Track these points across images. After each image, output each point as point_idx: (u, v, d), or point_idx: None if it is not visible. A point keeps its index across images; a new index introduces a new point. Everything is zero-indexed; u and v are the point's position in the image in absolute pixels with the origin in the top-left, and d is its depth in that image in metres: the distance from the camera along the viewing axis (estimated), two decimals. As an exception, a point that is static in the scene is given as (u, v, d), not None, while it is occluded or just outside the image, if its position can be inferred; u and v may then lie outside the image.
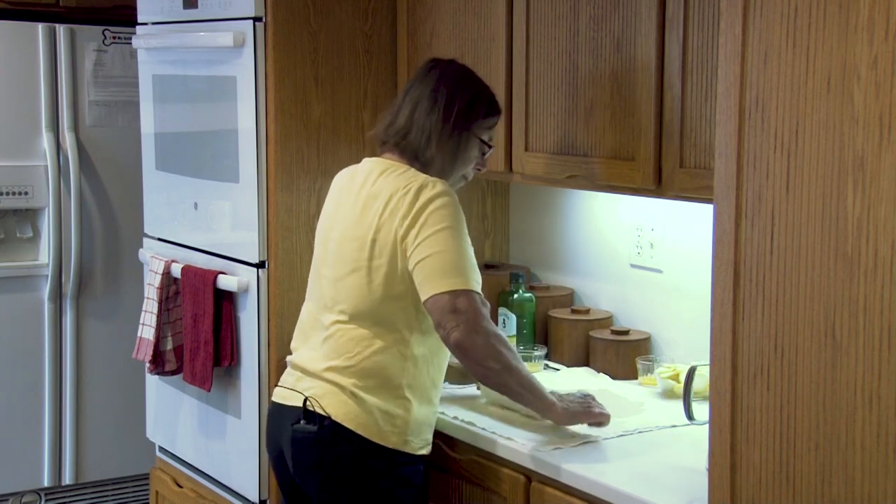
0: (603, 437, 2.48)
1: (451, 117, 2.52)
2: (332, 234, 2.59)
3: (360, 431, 2.45)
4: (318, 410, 2.47)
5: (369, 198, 2.51)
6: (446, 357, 2.57)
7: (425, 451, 2.54)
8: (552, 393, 2.52)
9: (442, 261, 2.39)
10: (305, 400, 2.48)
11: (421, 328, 2.49)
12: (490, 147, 2.62)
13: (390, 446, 2.47)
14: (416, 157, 2.53)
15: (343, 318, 2.51)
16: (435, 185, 2.46)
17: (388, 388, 2.47)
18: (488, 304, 2.45)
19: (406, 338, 2.48)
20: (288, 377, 2.62)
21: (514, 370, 2.42)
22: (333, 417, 2.46)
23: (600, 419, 2.51)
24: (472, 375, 2.53)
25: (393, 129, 2.56)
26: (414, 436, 2.50)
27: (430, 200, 2.43)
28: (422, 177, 2.48)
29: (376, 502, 2.50)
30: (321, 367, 2.52)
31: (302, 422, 2.49)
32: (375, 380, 2.47)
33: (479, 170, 2.64)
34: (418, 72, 2.61)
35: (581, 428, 2.52)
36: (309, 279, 2.68)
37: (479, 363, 2.39)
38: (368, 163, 2.61)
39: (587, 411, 2.51)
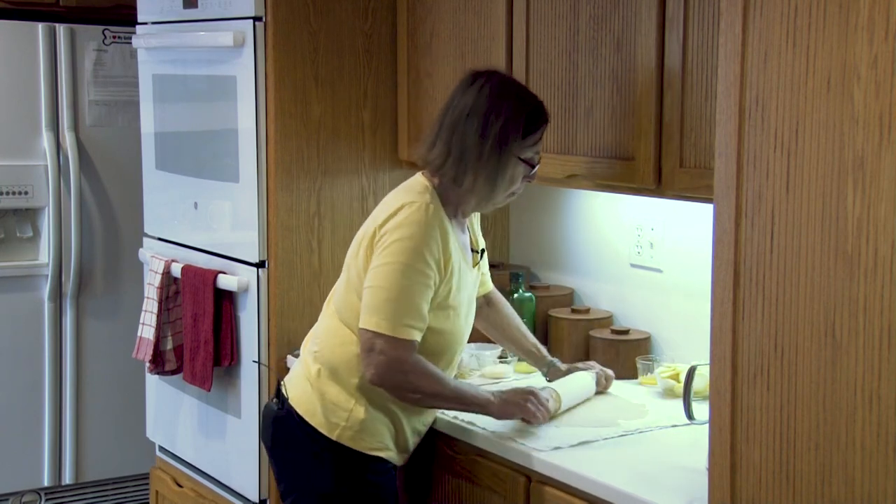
0: (603, 438, 2.48)
1: (487, 143, 2.43)
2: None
3: (306, 417, 2.53)
4: (283, 392, 2.60)
5: (380, 203, 2.57)
6: None
7: (384, 454, 2.54)
8: (494, 393, 2.53)
9: (378, 297, 2.41)
10: (279, 380, 2.61)
11: None
12: (534, 166, 2.51)
13: (335, 438, 2.50)
14: (454, 184, 2.49)
15: (331, 308, 2.60)
16: (417, 211, 2.42)
17: (341, 382, 2.52)
18: (415, 348, 2.42)
19: None
20: None
21: (438, 395, 2.46)
22: (290, 401, 2.56)
23: (529, 417, 2.52)
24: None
25: (431, 155, 2.50)
26: (367, 435, 2.51)
27: (399, 226, 2.41)
28: (417, 196, 2.46)
29: (325, 492, 2.54)
30: (305, 349, 2.64)
31: (274, 400, 2.63)
32: (332, 370, 2.53)
33: (529, 182, 2.55)
34: (458, 87, 2.52)
35: (580, 429, 2.52)
36: None
37: (401, 397, 2.48)
38: (415, 176, 2.59)
39: (522, 406, 2.52)
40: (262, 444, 2.72)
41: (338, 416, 2.50)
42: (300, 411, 2.53)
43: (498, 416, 2.52)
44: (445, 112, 2.51)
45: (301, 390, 2.55)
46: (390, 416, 2.54)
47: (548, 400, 2.56)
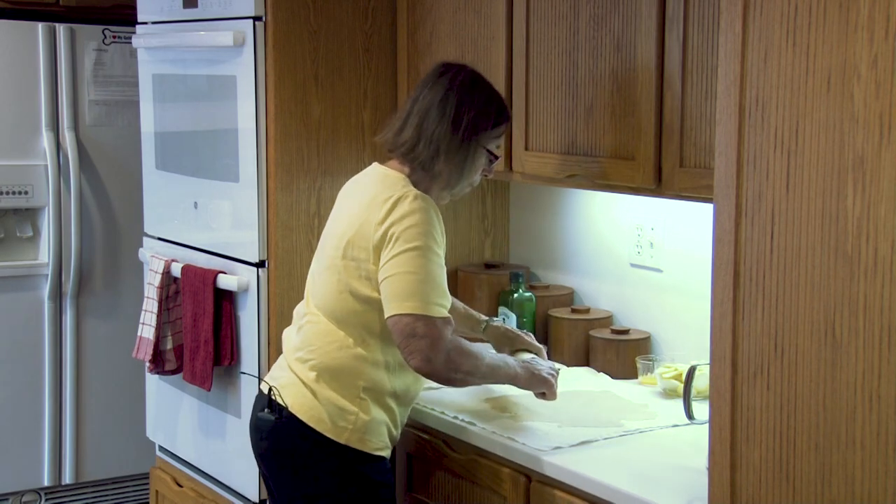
0: (604, 437, 2.48)
1: (459, 130, 2.50)
2: (327, 232, 2.64)
3: (312, 424, 2.50)
4: (279, 400, 2.54)
5: (357, 199, 2.55)
6: (415, 376, 2.56)
7: (384, 453, 2.56)
8: (520, 363, 2.61)
9: (404, 282, 2.41)
10: (270, 389, 2.55)
11: (385, 337, 2.50)
12: (497, 157, 2.60)
13: (343, 442, 2.49)
14: (423, 169, 2.53)
15: (315, 311, 2.57)
16: (414, 200, 2.46)
17: (344, 386, 2.50)
18: (452, 324, 2.45)
19: (368, 341, 2.51)
20: (275, 365, 2.70)
21: (476, 372, 2.48)
22: (290, 408, 2.52)
23: (550, 396, 2.62)
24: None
25: (400, 139, 2.55)
26: (372, 435, 2.52)
27: (404, 216, 2.43)
28: (405, 188, 2.48)
29: (332, 496, 2.52)
30: (291, 357, 2.59)
31: (266, 410, 2.57)
32: (333, 375, 2.51)
33: (486, 176, 2.63)
34: (428, 76, 2.58)
35: (581, 430, 2.52)
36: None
37: (443, 380, 2.47)
38: (373, 167, 2.63)
39: (549, 383, 2.60)
40: (255, 455, 2.67)
41: (345, 420, 2.49)
42: (304, 418, 2.50)
43: (524, 388, 2.61)
44: (416, 99, 2.56)
45: (301, 397, 2.52)
46: (389, 412, 2.54)
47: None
